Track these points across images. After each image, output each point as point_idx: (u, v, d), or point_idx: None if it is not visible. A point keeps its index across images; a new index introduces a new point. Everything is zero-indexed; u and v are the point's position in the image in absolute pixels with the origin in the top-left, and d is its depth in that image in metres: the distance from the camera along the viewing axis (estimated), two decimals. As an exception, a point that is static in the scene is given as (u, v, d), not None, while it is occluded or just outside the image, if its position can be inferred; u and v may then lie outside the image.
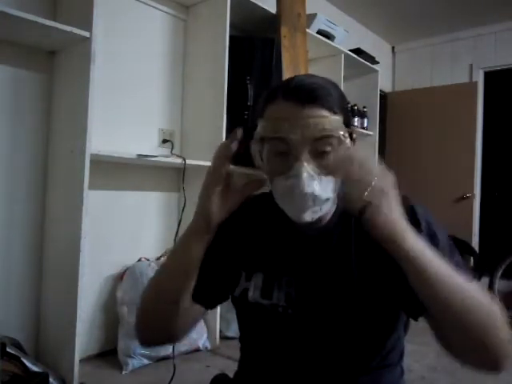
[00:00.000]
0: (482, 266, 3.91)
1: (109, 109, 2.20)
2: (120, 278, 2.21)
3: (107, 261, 2.21)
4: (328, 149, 0.70)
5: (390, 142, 4.61)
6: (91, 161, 1.79)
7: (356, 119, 3.68)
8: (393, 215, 0.64)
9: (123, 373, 2.00)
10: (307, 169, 0.68)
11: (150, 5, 2.39)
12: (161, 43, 2.48)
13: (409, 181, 4.37)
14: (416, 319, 0.75)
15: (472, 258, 4.05)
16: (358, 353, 0.79)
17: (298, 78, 0.75)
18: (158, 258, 2.37)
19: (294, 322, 0.79)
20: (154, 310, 0.79)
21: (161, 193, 2.50)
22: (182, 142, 2.56)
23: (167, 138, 2.48)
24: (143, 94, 2.38)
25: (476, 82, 4.23)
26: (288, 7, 2.69)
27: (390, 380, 0.83)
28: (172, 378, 1.78)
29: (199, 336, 2.26)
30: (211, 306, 0.87)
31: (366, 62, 3.70)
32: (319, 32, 3.09)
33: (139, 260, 2.28)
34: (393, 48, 4.82)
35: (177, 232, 2.26)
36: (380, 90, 4.03)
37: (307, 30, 2.89)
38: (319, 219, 0.76)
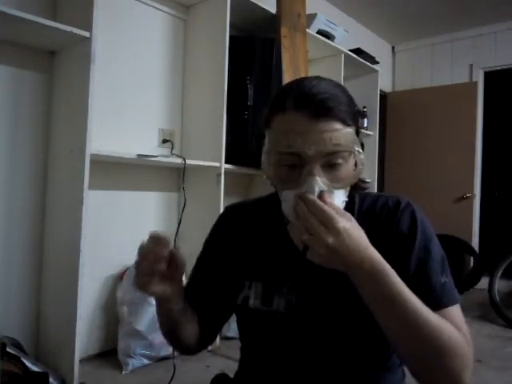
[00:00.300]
0: (481, 266, 3.91)
1: (109, 109, 2.20)
2: (120, 278, 2.21)
3: (107, 261, 2.21)
4: (340, 160, 0.70)
5: (390, 142, 4.61)
6: (91, 161, 1.79)
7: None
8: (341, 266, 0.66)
9: (123, 373, 2.00)
10: (319, 183, 0.68)
11: (150, 5, 2.39)
12: (161, 43, 2.48)
13: (409, 181, 4.38)
14: None
15: (472, 258, 4.06)
16: (358, 357, 0.78)
17: (306, 85, 0.71)
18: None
19: (293, 328, 0.79)
20: (164, 336, 0.87)
21: (161, 193, 2.50)
22: (182, 142, 2.56)
23: (167, 138, 2.48)
24: (143, 94, 2.38)
25: (476, 82, 4.23)
26: (288, 7, 2.69)
27: (392, 383, 0.83)
28: (172, 378, 1.77)
29: (199, 336, 2.26)
30: (217, 323, 0.91)
31: (365, 62, 3.70)
32: (319, 32, 3.09)
33: (139, 260, 2.28)
34: (393, 48, 4.82)
35: (177, 232, 2.26)
36: (380, 90, 4.03)
37: (307, 30, 2.89)
38: None
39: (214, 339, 0.95)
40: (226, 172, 2.37)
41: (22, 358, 1.61)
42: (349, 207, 0.79)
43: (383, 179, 4.57)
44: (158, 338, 2.01)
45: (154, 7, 2.42)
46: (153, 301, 2.33)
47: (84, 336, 2.01)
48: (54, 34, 1.76)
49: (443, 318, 0.68)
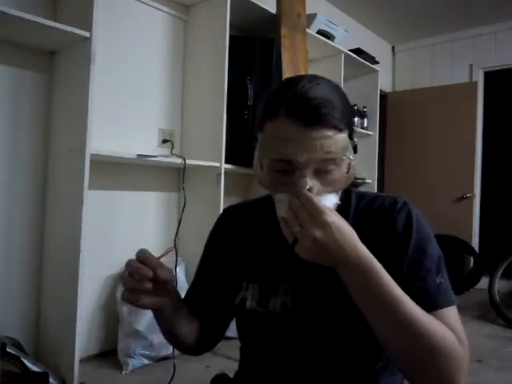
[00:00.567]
0: (481, 266, 3.91)
1: (109, 109, 2.20)
2: (120, 278, 2.21)
3: (107, 261, 2.21)
4: (331, 166, 0.70)
5: (390, 142, 4.61)
6: (91, 161, 1.79)
7: (356, 119, 3.68)
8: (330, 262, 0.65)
9: (123, 373, 2.00)
10: (310, 186, 0.68)
11: (150, 5, 2.39)
12: (161, 43, 2.48)
13: (409, 181, 4.38)
14: None
15: (472, 258, 4.06)
16: (356, 358, 0.78)
17: (299, 89, 0.69)
18: (158, 258, 2.37)
19: (289, 329, 0.79)
20: (164, 337, 0.88)
21: (161, 193, 2.50)
22: (182, 142, 2.56)
23: (167, 138, 2.48)
24: (143, 94, 2.38)
25: (476, 82, 4.23)
26: (288, 7, 2.69)
27: None
28: (172, 378, 1.77)
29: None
30: (220, 325, 0.92)
31: (365, 62, 3.70)
32: (319, 32, 3.10)
33: (139, 260, 2.28)
34: (393, 48, 4.82)
35: (177, 232, 2.26)
36: (380, 90, 4.03)
37: (307, 30, 2.89)
38: None
39: (219, 340, 0.95)
40: (226, 172, 2.37)
41: (22, 358, 1.61)
42: (345, 206, 0.80)
43: (383, 179, 4.57)
44: (158, 338, 2.01)
45: (154, 7, 2.42)
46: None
47: (84, 336, 2.01)
48: (54, 33, 1.76)
49: (437, 319, 0.68)
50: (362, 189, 0.88)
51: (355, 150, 0.73)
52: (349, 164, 0.72)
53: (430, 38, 4.52)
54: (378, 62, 3.89)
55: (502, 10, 3.85)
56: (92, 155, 1.80)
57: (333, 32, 3.21)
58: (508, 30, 4.12)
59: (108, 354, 2.17)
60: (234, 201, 2.56)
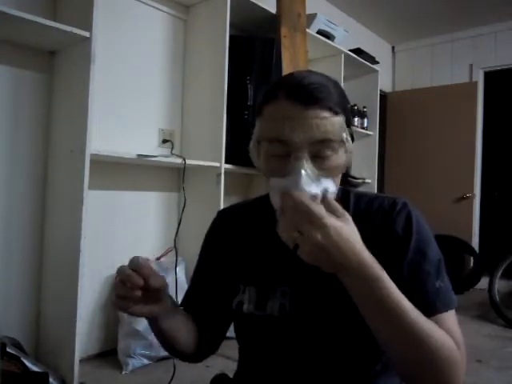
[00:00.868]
0: (481, 266, 3.91)
1: (109, 108, 2.20)
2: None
3: (107, 261, 2.21)
4: (328, 151, 0.70)
5: (390, 142, 4.61)
6: (91, 161, 1.79)
7: (356, 119, 3.69)
8: (332, 267, 0.62)
9: (123, 373, 2.00)
10: (306, 168, 0.67)
11: (150, 5, 2.39)
12: (161, 43, 2.48)
13: (409, 181, 4.38)
14: None
15: (472, 258, 4.06)
16: (355, 360, 0.78)
17: (297, 76, 0.73)
18: (158, 258, 2.37)
19: (287, 332, 0.78)
20: (162, 347, 0.86)
21: (161, 193, 2.50)
22: (182, 142, 2.56)
23: (167, 138, 2.48)
24: (143, 94, 2.38)
25: (476, 82, 4.23)
26: (288, 7, 2.69)
27: None
28: (172, 378, 1.78)
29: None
30: (219, 328, 0.91)
31: (365, 62, 3.70)
32: (319, 32, 3.10)
33: (139, 260, 2.28)
34: (393, 48, 4.82)
35: (177, 232, 2.27)
36: (380, 90, 4.03)
37: (307, 30, 2.89)
38: None
39: (219, 346, 0.94)
40: (226, 172, 2.37)
41: (22, 358, 1.61)
42: (343, 207, 0.79)
43: (383, 179, 4.57)
44: (158, 337, 2.01)
45: (154, 7, 2.42)
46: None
47: (84, 336, 2.02)
48: (54, 33, 1.76)
49: (436, 323, 0.67)
50: (362, 189, 0.87)
51: (352, 139, 0.73)
52: (345, 150, 0.72)
53: (430, 37, 4.52)
54: (378, 62, 3.89)
55: (501, 9, 3.85)
56: (92, 155, 1.80)
57: (333, 32, 3.21)
58: (508, 29, 4.12)
59: (108, 354, 2.17)
60: (234, 201, 2.56)
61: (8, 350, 1.58)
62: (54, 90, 1.98)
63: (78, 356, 1.77)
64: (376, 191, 3.86)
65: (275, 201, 0.72)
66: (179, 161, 2.23)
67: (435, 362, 0.65)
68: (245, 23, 2.69)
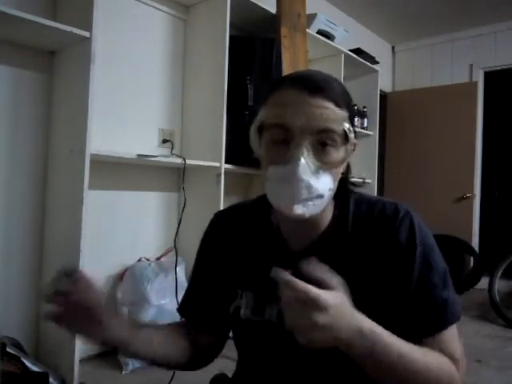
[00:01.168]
0: (481, 266, 3.91)
1: (109, 109, 2.20)
2: (120, 278, 2.21)
3: (107, 261, 2.21)
4: (329, 142, 0.69)
5: (390, 142, 4.61)
6: (91, 161, 1.79)
7: (356, 119, 3.69)
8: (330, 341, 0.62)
9: (123, 373, 2.00)
10: (306, 157, 0.67)
11: (150, 5, 2.39)
12: (161, 43, 2.48)
13: (409, 181, 4.38)
14: (415, 342, 0.70)
15: (472, 258, 4.06)
16: (354, 367, 0.76)
17: (303, 71, 0.74)
18: (158, 258, 2.37)
19: (287, 337, 0.77)
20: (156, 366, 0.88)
21: (161, 193, 2.50)
22: (182, 142, 2.56)
23: (167, 138, 2.48)
24: (143, 94, 2.38)
25: (476, 82, 4.23)
26: (288, 7, 2.69)
27: None
28: (172, 378, 1.77)
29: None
30: (219, 333, 0.89)
31: (365, 62, 3.70)
32: (319, 32, 3.10)
33: (139, 260, 2.28)
34: (393, 48, 4.82)
35: (177, 232, 2.26)
36: (380, 90, 4.03)
37: (307, 30, 2.89)
38: (311, 225, 0.75)
39: (219, 351, 0.92)
40: (226, 172, 2.37)
41: (22, 358, 1.61)
42: (343, 213, 0.78)
43: (383, 179, 4.57)
44: (158, 337, 2.01)
45: (154, 7, 2.42)
46: (153, 301, 2.32)
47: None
48: (54, 33, 1.76)
49: (439, 341, 0.69)
50: (362, 189, 0.85)
51: (355, 136, 0.73)
52: (346, 149, 0.71)
53: (430, 38, 4.52)
54: (378, 62, 3.90)
55: (501, 9, 3.85)
56: (92, 155, 1.80)
57: (333, 32, 3.21)
58: (508, 29, 4.12)
59: (108, 354, 2.17)
60: (234, 201, 2.56)
61: (8, 350, 1.58)
62: (54, 89, 1.98)
63: (77, 356, 1.77)
64: (376, 191, 3.87)
65: (272, 194, 0.71)
66: (179, 161, 2.23)
67: None
68: (245, 23, 2.69)
